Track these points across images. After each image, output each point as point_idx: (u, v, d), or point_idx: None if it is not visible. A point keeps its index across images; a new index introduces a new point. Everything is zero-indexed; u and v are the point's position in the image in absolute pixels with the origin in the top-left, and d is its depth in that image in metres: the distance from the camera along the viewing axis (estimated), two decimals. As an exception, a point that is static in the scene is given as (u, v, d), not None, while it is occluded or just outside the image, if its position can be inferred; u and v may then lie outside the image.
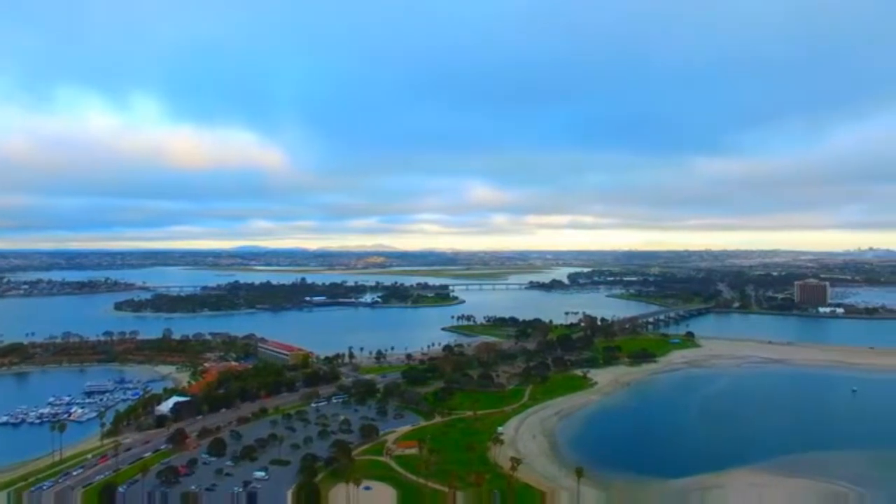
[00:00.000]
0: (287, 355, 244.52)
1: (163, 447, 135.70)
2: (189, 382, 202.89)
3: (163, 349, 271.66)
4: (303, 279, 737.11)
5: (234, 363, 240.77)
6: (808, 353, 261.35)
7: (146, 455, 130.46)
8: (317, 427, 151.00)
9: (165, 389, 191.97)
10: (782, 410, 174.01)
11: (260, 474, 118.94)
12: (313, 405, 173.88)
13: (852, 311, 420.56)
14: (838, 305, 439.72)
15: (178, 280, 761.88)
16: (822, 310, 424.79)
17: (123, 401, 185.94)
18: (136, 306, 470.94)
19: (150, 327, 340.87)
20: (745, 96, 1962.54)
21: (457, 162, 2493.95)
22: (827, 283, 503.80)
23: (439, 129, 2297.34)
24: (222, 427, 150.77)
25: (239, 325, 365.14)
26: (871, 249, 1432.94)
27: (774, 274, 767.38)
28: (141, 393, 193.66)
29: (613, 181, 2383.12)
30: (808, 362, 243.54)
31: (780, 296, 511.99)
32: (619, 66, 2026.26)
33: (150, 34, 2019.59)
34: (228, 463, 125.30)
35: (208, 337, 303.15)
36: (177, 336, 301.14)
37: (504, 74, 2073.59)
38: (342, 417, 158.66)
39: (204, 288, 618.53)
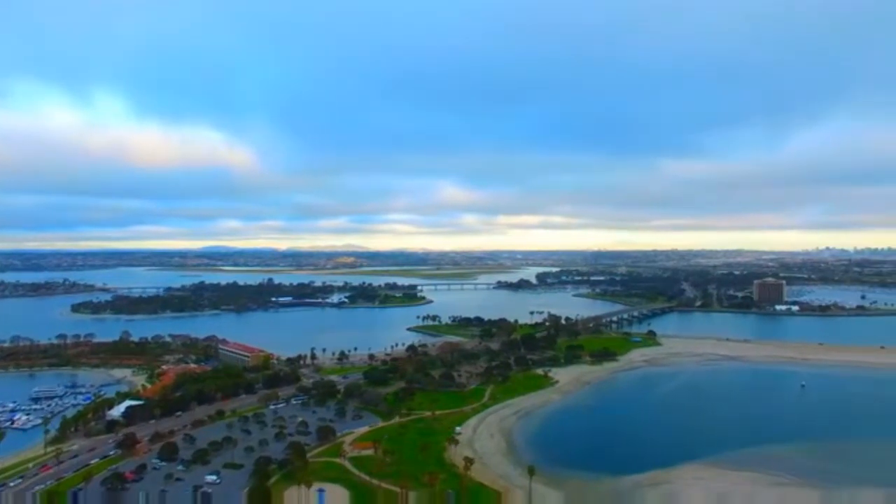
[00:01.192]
0: (248, 357, 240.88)
1: (111, 453, 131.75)
2: (143, 386, 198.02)
3: (120, 352, 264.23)
4: (270, 279, 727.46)
5: (193, 365, 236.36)
6: (762, 350, 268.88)
7: (93, 462, 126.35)
8: (273, 429, 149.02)
9: (118, 393, 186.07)
10: (735, 406, 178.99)
11: (211, 478, 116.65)
12: (271, 407, 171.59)
13: (806, 309, 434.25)
14: (794, 303, 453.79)
15: (141, 281, 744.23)
16: (778, 307, 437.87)
17: (74, 406, 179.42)
18: (95, 308, 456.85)
19: (109, 330, 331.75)
20: (709, 100, 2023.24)
21: (427, 162, 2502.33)
22: (783, 282, 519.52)
23: (409, 129, 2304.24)
24: (176, 431, 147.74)
25: (202, 326, 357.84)
26: (827, 249, 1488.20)
27: (737, 273, 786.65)
28: (92, 398, 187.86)
29: (583, 182, 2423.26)
30: (763, 358, 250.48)
31: (740, 294, 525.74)
32: (587, 69, 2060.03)
33: (115, 30, 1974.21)
34: (180, 468, 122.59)
35: (168, 339, 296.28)
36: (136, 338, 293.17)
37: (474, 76, 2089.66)
38: (300, 419, 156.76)
39: (168, 289, 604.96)
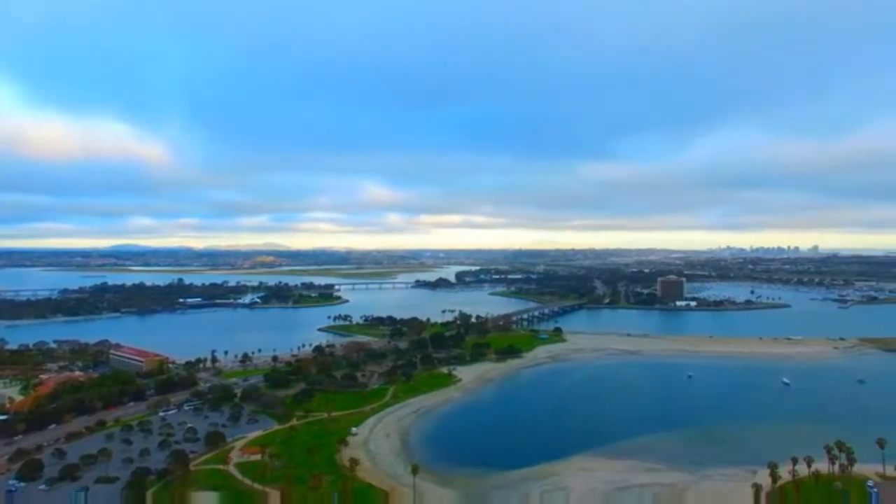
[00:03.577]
0: (142, 362, 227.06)
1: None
2: (10, 399, 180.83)
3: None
4: (180, 280, 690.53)
5: (78, 373, 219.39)
6: (659, 344, 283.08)
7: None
8: (159, 437, 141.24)
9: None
10: (627, 398, 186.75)
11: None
12: (160, 414, 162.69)
13: (703, 304, 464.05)
14: (693, 299, 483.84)
15: (34, 283, 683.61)
16: (679, 303, 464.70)
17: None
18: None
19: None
20: (623, 106, 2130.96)
21: (349, 161, 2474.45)
22: (684, 279, 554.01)
23: (330, 127, 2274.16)
24: (45, 446, 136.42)
25: (98, 330, 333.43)
26: (727, 248, 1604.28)
27: (646, 271, 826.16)
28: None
29: (504, 182, 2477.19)
30: (658, 352, 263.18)
31: (645, 291, 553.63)
32: (509, 73, 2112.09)
33: (6, 12, 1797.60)
34: (42, 487, 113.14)
35: (53, 345, 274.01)
36: (14, 346, 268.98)
37: (396, 76, 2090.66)
38: (189, 425, 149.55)
39: (63, 291, 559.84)
